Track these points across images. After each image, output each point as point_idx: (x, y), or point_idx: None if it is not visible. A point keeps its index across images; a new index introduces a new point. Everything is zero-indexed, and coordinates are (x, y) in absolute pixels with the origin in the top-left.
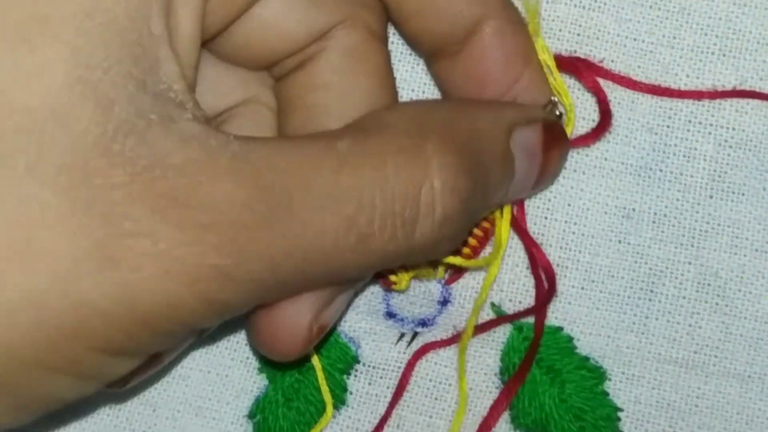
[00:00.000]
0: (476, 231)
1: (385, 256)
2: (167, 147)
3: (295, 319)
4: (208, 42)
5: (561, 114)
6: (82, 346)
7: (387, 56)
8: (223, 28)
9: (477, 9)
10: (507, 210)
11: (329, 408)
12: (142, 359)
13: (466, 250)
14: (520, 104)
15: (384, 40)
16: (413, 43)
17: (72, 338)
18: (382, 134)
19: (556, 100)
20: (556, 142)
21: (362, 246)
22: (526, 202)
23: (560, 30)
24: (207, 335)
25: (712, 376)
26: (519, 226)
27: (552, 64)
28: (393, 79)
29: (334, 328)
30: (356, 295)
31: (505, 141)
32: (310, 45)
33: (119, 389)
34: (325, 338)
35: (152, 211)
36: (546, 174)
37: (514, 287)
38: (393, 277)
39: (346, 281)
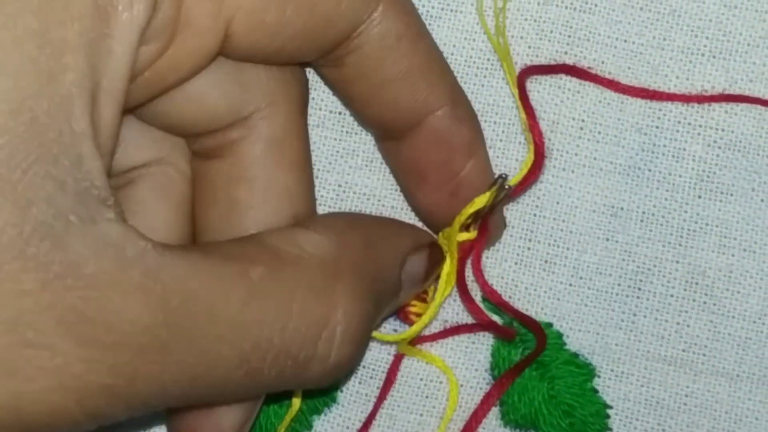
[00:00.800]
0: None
1: (270, 388)
2: (83, 253)
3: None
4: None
5: (510, 187)
6: None
7: (306, 139)
8: (145, 103)
9: (422, 105)
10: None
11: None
12: None
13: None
14: (414, 229)
15: (304, 117)
16: (358, 121)
17: None
18: (297, 266)
19: (505, 175)
20: (434, 267)
21: (249, 380)
22: (515, 199)
23: (551, 31)
24: None
25: (700, 375)
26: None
27: (521, 107)
28: (310, 161)
29: None
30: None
31: (399, 273)
32: (231, 128)
33: None
34: None
35: (57, 323)
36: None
37: (504, 282)
38: (414, 312)
39: (230, 403)
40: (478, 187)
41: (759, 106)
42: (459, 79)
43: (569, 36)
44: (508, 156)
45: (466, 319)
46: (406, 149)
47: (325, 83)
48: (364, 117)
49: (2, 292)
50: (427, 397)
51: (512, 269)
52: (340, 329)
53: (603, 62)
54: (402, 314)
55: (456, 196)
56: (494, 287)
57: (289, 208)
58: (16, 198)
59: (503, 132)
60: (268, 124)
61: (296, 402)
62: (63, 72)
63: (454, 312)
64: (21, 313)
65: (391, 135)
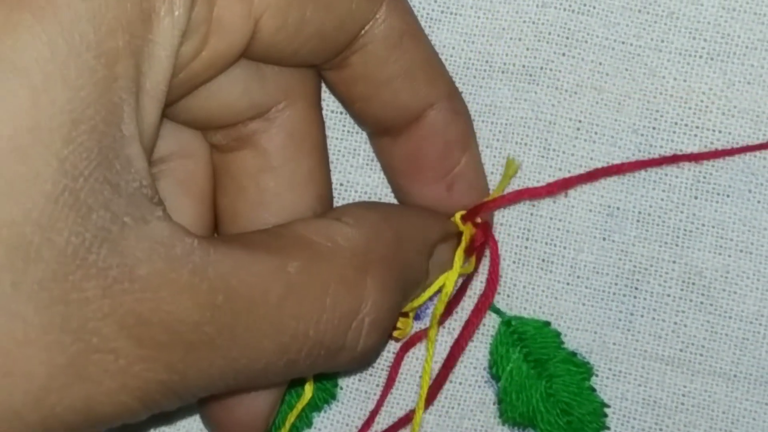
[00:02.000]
0: None
1: (302, 374)
2: (136, 255)
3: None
4: None
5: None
6: None
7: (322, 126)
8: (176, 101)
9: (422, 101)
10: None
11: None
12: None
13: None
14: (442, 218)
15: (320, 106)
16: (356, 120)
17: None
18: (331, 259)
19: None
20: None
21: (286, 369)
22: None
23: (549, 33)
24: None
25: (698, 375)
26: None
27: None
28: (326, 145)
29: None
30: None
31: (427, 263)
32: (251, 121)
33: None
34: None
35: (119, 327)
36: None
37: (502, 281)
38: (395, 333)
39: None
40: (473, 182)
41: (755, 107)
42: (457, 81)
43: (567, 38)
44: (504, 155)
45: (463, 316)
46: (403, 144)
47: (326, 85)
48: (364, 116)
49: (70, 302)
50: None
51: (510, 268)
52: (369, 320)
53: (600, 64)
54: None
55: (451, 191)
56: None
57: (313, 190)
58: (79, 206)
59: (500, 132)
60: (288, 115)
61: (308, 390)
62: (115, 80)
63: (453, 310)
64: (86, 320)
65: (388, 131)
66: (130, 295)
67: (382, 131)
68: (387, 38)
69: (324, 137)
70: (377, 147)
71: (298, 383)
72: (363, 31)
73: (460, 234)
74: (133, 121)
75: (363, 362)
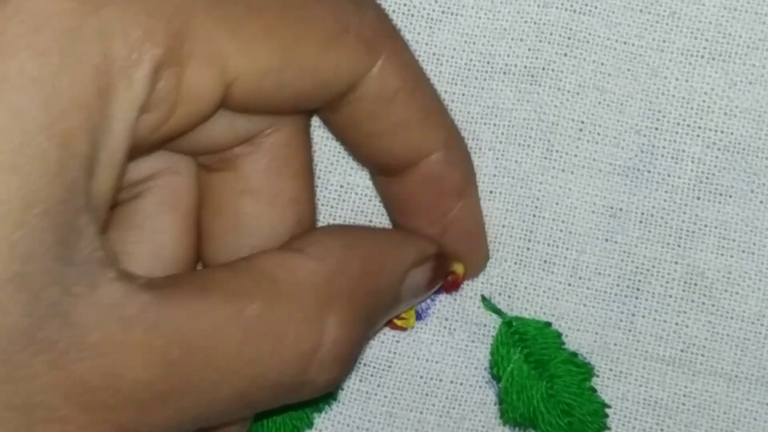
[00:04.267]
0: None
1: (264, 408)
2: (87, 324)
3: None
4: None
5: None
6: None
7: (309, 150)
8: (149, 153)
9: (415, 152)
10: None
11: None
12: None
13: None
14: (418, 240)
15: (307, 131)
16: (354, 158)
17: None
18: (291, 296)
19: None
20: (440, 277)
21: (245, 408)
22: (515, 200)
23: (551, 33)
24: None
25: (699, 375)
26: None
27: None
28: (312, 169)
29: None
30: None
31: (399, 289)
32: (236, 146)
33: None
34: None
35: (65, 396)
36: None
37: (503, 281)
38: (399, 322)
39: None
40: (468, 228)
41: (758, 106)
42: (459, 82)
43: (569, 38)
44: (507, 158)
45: (465, 316)
46: (398, 187)
47: (319, 120)
48: (356, 157)
49: (15, 379)
50: (426, 395)
51: (512, 269)
52: (330, 357)
53: (602, 64)
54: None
55: (445, 235)
56: (494, 286)
57: (293, 215)
58: (30, 288)
59: (502, 134)
60: (273, 141)
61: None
62: (70, 159)
63: (454, 310)
64: (32, 395)
65: (382, 173)
66: (78, 364)
67: (376, 172)
68: (379, 96)
69: (310, 160)
70: (375, 183)
71: None
72: (353, 88)
73: (436, 256)
74: (84, 194)
75: (325, 391)
